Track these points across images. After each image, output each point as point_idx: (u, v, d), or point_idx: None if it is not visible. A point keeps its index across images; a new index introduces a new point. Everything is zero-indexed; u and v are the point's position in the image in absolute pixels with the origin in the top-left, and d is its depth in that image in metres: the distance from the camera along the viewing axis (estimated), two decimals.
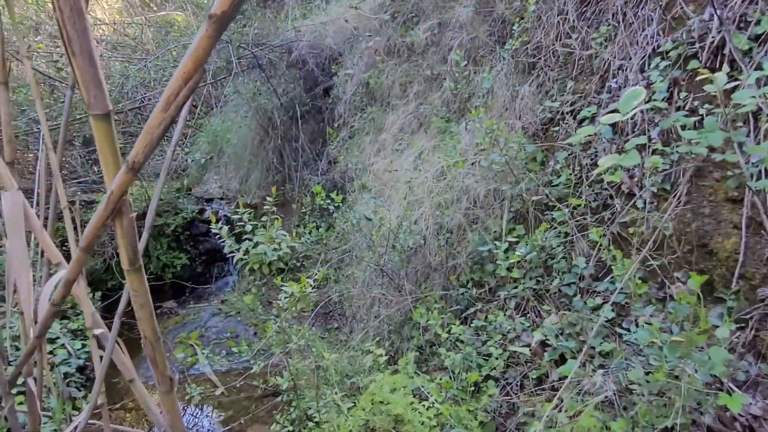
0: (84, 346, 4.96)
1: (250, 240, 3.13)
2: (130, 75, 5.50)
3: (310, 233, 4.96)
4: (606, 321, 2.49)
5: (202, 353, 4.00)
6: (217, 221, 7.50)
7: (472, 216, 3.19)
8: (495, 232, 3.21)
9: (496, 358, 2.51)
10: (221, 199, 8.14)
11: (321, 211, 6.25)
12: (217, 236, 3.82)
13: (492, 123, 2.74)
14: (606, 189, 2.71)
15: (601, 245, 2.50)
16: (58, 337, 4.70)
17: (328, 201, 3.52)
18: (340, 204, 3.62)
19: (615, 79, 2.68)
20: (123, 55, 10.61)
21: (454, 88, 3.42)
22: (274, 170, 7.32)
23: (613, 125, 2.91)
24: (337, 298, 3.90)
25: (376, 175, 4.07)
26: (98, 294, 6.09)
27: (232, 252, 3.08)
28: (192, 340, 4.16)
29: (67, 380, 4.40)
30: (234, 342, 4.69)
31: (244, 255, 3.05)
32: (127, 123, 7.14)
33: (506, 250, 3.17)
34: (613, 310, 2.51)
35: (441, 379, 2.56)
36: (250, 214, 3.33)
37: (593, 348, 2.35)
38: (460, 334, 2.62)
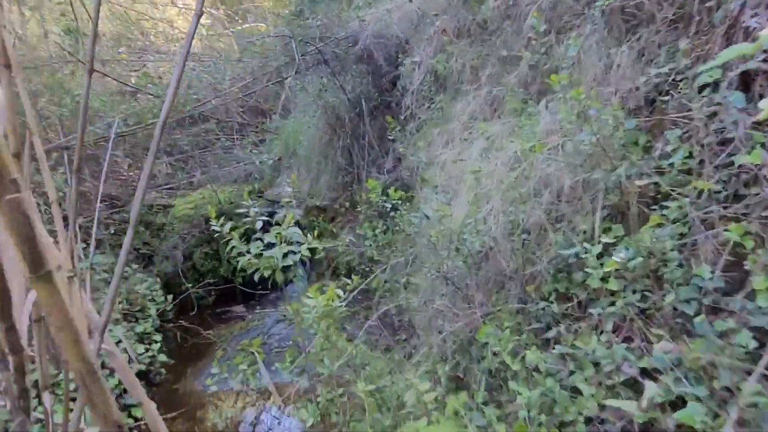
0: (147, 350, 4.90)
1: (262, 240, 2.73)
2: (193, 79, 5.43)
3: (365, 235, 4.51)
4: (745, 353, 1.82)
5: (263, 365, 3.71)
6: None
7: (555, 212, 2.60)
8: (585, 231, 2.60)
9: (588, 398, 1.91)
10: (291, 201, 7.99)
11: (382, 211, 5.83)
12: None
13: (580, 91, 2.14)
14: (742, 172, 2.02)
15: (742, 247, 1.83)
16: (119, 341, 4.65)
17: (384, 198, 3.07)
18: (400, 202, 3.15)
19: (754, 19, 1.99)
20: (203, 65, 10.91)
21: (530, 59, 2.84)
22: (344, 170, 7.03)
23: (746, 89, 2.20)
24: (397, 308, 3.44)
25: (442, 168, 3.57)
26: (169, 297, 6.09)
27: (239, 255, 2.71)
28: (254, 347, 3.88)
29: (123, 387, 4.30)
30: (293, 352, 4.37)
31: (254, 258, 2.66)
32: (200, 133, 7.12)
33: (600, 255, 2.55)
34: (755, 338, 1.83)
35: (515, 418, 2.01)
36: (256, 204, 2.90)
37: (729, 391, 1.70)
38: (538, 363, 2.05)
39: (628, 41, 2.72)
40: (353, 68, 5.90)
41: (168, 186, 7.92)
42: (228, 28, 14.45)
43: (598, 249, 2.49)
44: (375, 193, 3.06)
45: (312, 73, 6.31)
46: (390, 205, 3.05)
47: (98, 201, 5.62)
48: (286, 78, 6.13)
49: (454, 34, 4.29)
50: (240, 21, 15.20)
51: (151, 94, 5.77)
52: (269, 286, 7.01)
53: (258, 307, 6.63)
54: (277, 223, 7.06)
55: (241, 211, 3.30)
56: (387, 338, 4.86)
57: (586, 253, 2.53)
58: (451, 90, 4.39)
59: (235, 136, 8.28)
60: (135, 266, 6.34)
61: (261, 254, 2.52)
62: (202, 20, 15.12)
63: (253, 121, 9.00)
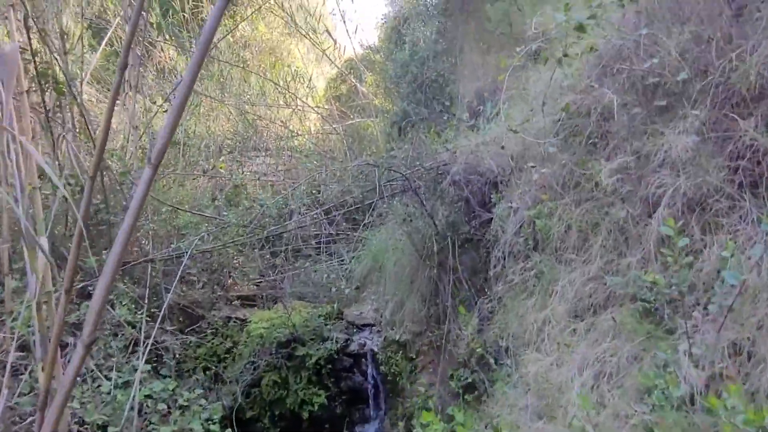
0: None
1: None
2: (268, 204, 5.16)
3: None
4: None
5: None
6: (363, 355, 6.66)
7: None
8: None
9: None
10: (373, 325, 7.33)
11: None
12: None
13: (762, 416, 1.22)
14: None
15: None
16: None
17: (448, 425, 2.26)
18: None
19: None
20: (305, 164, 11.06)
21: (665, 285, 1.94)
22: (429, 302, 6.28)
23: None
24: None
25: (532, 382, 2.69)
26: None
27: None
28: None
29: None
30: None
31: None
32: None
33: None
34: None
35: None
36: None
37: None
38: None
39: None
40: (442, 197, 5.31)
41: (257, 281, 7.65)
42: (336, 125, 14.90)
43: None
44: (430, 422, 2.26)
45: (399, 198, 5.83)
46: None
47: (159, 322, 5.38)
48: (373, 201, 5.68)
49: (559, 185, 3.51)
50: (351, 117, 15.68)
51: (222, 221, 5.59)
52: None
53: None
54: (353, 355, 6.36)
55: None
56: None
57: None
58: (551, 252, 3.55)
59: (321, 247, 7.96)
60: (199, 392, 5.92)
61: None
62: (315, 117, 15.80)
63: (343, 229, 8.69)
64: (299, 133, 14.66)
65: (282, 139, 13.61)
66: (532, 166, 3.35)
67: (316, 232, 7.43)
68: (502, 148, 3.63)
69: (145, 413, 5.21)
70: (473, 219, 4.93)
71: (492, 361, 3.82)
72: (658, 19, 2.62)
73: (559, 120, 3.32)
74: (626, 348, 2.26)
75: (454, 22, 6.76)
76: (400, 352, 6.18)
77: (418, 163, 5.07)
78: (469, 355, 4.54)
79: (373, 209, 6.50)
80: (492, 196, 4.45)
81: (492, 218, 4.58)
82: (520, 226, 3.97)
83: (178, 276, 5.48)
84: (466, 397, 5.18)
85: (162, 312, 5.56)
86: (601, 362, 2.31)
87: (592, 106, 2.82)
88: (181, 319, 6.98)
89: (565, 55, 3.17)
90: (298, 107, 14.56)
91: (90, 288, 5.81)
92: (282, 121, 14.64)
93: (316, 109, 14.94)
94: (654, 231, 2.38)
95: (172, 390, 5.66)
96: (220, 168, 7.90)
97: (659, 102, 2.38)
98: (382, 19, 18.15)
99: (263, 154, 12.68)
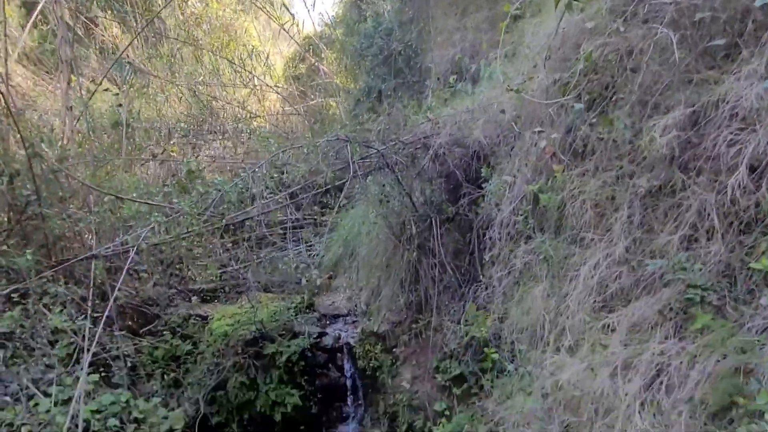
0: None
1: None
2: (227, 190, 4.52)
3: None
4: None
5: None
6: (338, 349, 6.14)
7: None
8: None
9: None
10: (347, 315, 6.80)
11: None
12: None
13: None
14: None
15: None
16: None
17: None
18: None
19: None
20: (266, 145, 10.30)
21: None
22: (409, 288, 5.77)
23: None
24: None
25: (553, 382, 2.21)
26: None
27: None
28: None
29: None
30: None
31: None
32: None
33: None
34: None
35: None
36: None
37: None
38: None
39: None
40: (422, 173, 4.78)
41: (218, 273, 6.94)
42: (297, 106, 14.09)
43: None
44: None
45: (373, 176, 5.27)
46: None
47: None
48: (343, 182, 5.10)
49: (568, 152, 3.02)
50: (312, 97, 14.87)
51: (174, 210, 4.89)
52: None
53: None
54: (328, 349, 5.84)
55: None
56: None
57: None
58: (559, 231, 3.07)
59: (288, 233, 7.33)
60: (156, 401, 5.25)
61: None
62: (274, 98, 14.92)
63: (311, 214, 8.09)
64: (258, 114, 13.79)
65: (240, 120, 12.74)
66: (540, 131, 2.84)
67: (281, 218, 6.79)
68: (503, 112, 3.10)
69: None
70: (459, 197, 4.43)
71: (490, 353, 3.35)
72: None
73: (568, 75, 2.81)
74: (689, 348, 1.81)
75: None
76: (379, 344, 5.67)
77: (394, 136, 4.51)
78: (457, 345, 4.08)
79: (343, 191, 5.94)
80: (481, 170, 3.95)
81: (480, 196, 4.09)
82: (519, 202, 3.49)
83: (124, 273, 4.79)
84: (454, 390, 4.76)
85: (107, 313, 4.87)
86: (656, 367, 1.84)
87: (618, 50, 2.32)
88: (134, 319, 6.31)
89: None
90: (256, 86, 13.69)
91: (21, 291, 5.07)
92: (239, 102, 13.74)
93: (275, 88, 14.07)
94: (715, 201, 1.91)
95: (126, 401, 4.99)
96: (172, 152, 7.11)
97: (717, 42, 1.90)
98: None
99: (220, 137, 11.85)
